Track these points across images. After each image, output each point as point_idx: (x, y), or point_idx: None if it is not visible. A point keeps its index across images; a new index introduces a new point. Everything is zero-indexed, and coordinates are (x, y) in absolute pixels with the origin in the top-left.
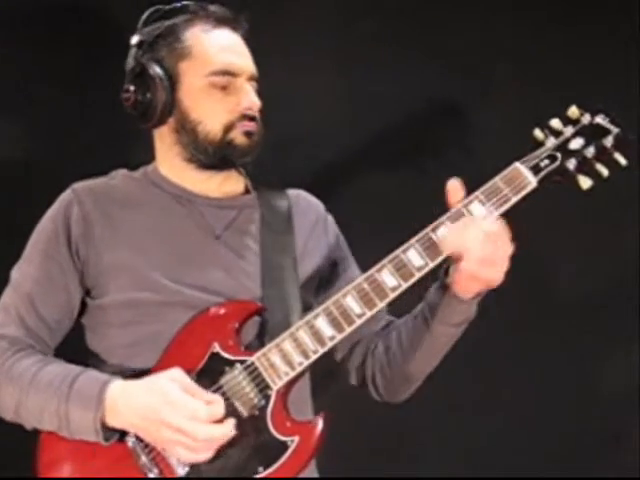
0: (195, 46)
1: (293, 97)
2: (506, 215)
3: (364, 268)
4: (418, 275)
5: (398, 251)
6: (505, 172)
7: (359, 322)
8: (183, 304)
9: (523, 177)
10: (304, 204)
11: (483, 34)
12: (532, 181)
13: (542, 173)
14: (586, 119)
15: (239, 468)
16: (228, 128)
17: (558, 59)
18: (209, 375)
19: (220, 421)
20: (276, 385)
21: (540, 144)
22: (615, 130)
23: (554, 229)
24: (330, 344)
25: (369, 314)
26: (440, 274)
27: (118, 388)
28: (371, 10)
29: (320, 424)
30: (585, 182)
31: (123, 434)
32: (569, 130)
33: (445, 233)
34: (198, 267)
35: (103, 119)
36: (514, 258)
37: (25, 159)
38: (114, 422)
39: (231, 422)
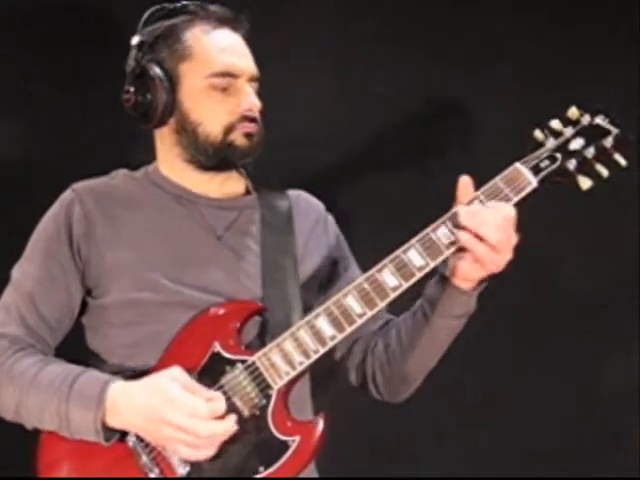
0: (195, 47)
1: (293, 98)
2: None
3: (365, 268)
4: (419, 275)
5: (399, 251)
6: (505, 172)
7: (360, 322)
8: (184, 304)
9: (523, 177)
10: (304, 204)
11: (483, 34)
12: (532, 181)
13: (542, 173)
14: (586, 120)
15: (240, 468)
16: (228, 129)
17: (558, 59)
18: (210, 375)
19: (221, 418)
20: (277, 385)
21: (540, 145)
22: (615, 131)
23: (554, 228)
24: (331, 344)
25: (370, 314)
26: (439, 267)
27: (118, 388)
28: (371, 10)
29: (321, 424)
30: (585, 183)
31: (123, 434)
32: (569, 131)
33: (462, 213)
34: (199, 268)
35: (103, 119)
36: (514, 257)
37: (25, 159)
38: (114, 422)
39: (232, 417)
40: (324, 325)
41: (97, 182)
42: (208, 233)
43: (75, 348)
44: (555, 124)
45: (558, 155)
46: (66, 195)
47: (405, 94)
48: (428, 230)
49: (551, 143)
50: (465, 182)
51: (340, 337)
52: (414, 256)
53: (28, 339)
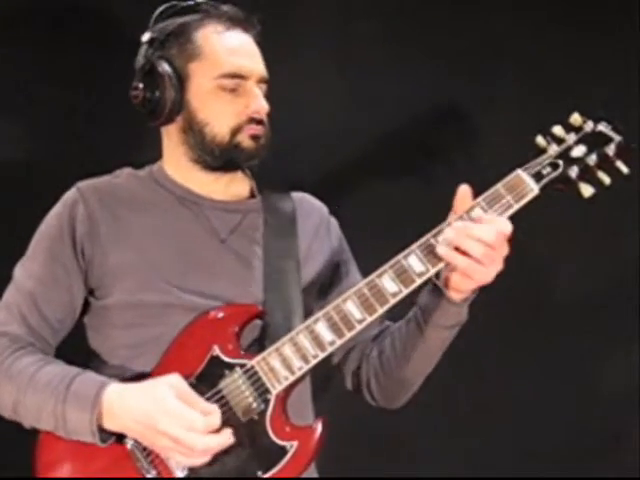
0: (206, 47)
1: (295, 100)
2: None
3: (366, 274)
4: (419, 281)
5: (399, 257)
6: (507, 179)
7: (359, 327)
8: (186, 307)
9: (525, 184)
10: (308, 207)
11: (485, 36)
12: (534, 188)
13: (544, 180)
14: (589, 126)
15: (238, 472)
16: (235, 131)
17: (558, 59)
18: (208, 378)
19: (218, 429)
20: (275, 389)
21: (542, 151)
22: (617, 138)
23: (554, 229)
24: (330, 349)
25: (369, 320)
26: (432, 277)
27: (115, 391)
28: (374, 11)
29: (319, 429)
30: (587, 190)
31: (122, 436)
32: (571, 137)
33: (445, 228)
34: (203, 271)
35: (104, 119)
36: (514, 257)
37: (26, 159)
38: (110, 425)
39: (228, 431)
40: (323, 330)
41: (101, 181)
42: (212, 236)
43: (75, 348)
44: (557, 130)
45: (560, 162)
46: (70, 194)
47: (407, 97)
48: (429, 236)
49: (553, 150)
50: (463, 191)
51: (339, 342)
52: (414, 262)
53: (29, 338)
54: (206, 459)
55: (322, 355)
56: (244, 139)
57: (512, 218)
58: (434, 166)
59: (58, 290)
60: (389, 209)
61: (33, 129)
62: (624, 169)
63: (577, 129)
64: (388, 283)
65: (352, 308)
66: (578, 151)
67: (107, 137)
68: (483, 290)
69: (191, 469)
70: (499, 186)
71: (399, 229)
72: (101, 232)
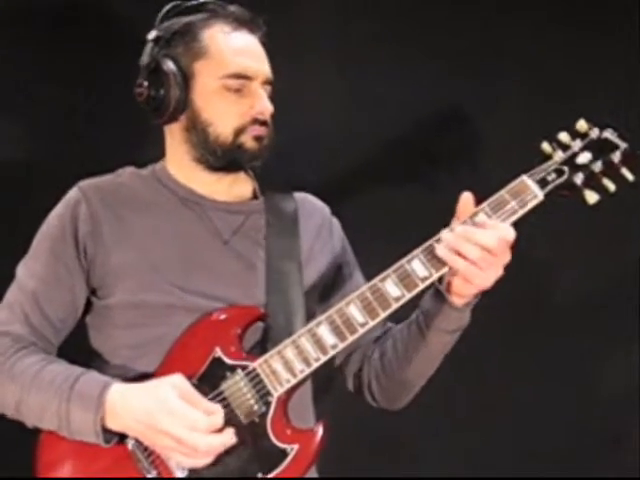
0: (211, 46)
1: (295, 103)
2: None
3: (368, 278)
4: (422, 285)
5: (402, 261)
6: (512, 185)
7: (362, 331)
8: (188, 308)
9: (530, 190)
10: (310, 207)
11: (486, 37)
12: (539, 195)
13: (549, 187)
14: (594, 133)
15: (238, 474)
16: (239, 132)
17: (559, 60)
18: (210, 380)
19: (220, 429)
20: (277, 392)
21: (548, 157)
22: (623, 145)
23: (554, 232)
24: (332, 352)
25: (372, 324)
26: (435, 281)
27: (118, 391)
28: (375, 13)
29: (320, 432)
30: (591, 197)
31: (123, 436)
32: (577, 144)
33: (444, 232)
34: (205, 272)
35: (104, 119)
36: (514, 259)
37: (26, 159)
38: (113, 425)
39: (230, 431)
40: (326, 333)
41: (103, 180)
42: (214, 237)
43: (77, 347)
44: (563, 137)
45: (565, 168)
46: (72, 194)
47: (409, 101)
48: (432, 241)
49: (559, 156)
50: (466, 198)
51: (342, 346)
52: (418, 266)
53: (31, 338)
54: (208, 460)
55: (324, 358)
56: (247, 140)
57: (514, 222)
58: (437, 172)
59: (60, 289)
60: (391, 213)
61: (33, 129)
62: (629, 176)
63: (583, 135)
64: (391, 287)
65: (355, 312)
66: (583, 158)
67: (107, 137)
68: (484, 292)
69: (191, 470)
70: (503, 192)
71: (402, 234)
72: (103, 232)
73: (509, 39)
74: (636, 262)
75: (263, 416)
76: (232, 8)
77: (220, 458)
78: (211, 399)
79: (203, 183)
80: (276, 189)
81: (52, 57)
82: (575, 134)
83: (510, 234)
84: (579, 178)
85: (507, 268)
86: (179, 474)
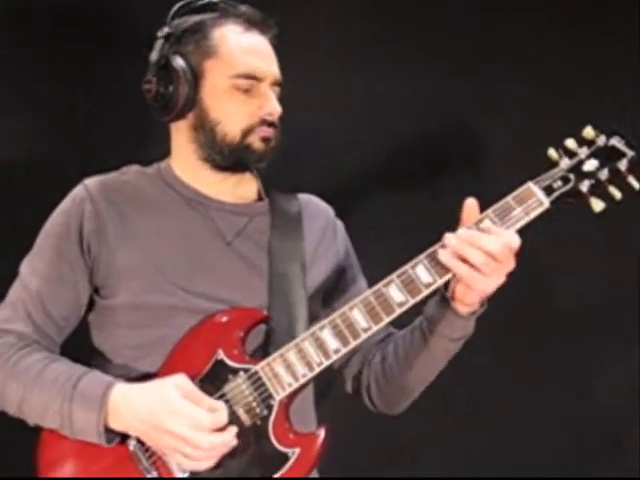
0: (222, 46)
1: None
2: None
3: (372, 282)
4: (426, 292)
5: (407, 266)
6: (518, 191)
7: (364, 336)
8: (191, 310)
9: (536, 197)
10: (314, 209)
11: (490, 40)
12: (544, 202)
13: (555, 194)
14: (601, 141)
15: (239, 476)
16: (247, 132)
17: (561, 62)
18: (212, 382)
19: (223, 428)
20: (279, 395)
21: (554, 164)
22: (630, 153)
23: (554, 235)
24: (335, 357)
25: (375, 328)
26: (441, 288)
27: (121, 391)
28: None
29: (322, 436)
30: (597, 205)
31: (125, 436)
32: (584, 151)
33: (448, 235)
34: (208, 274)
35: (106, 118)
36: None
37: (27, 159)
38: (116, 425)
39: (233, 429)
40: (329, 338)
41: (108, 178)
42: (218, 238)
43: (78, 345)
44: (570, 144)
45: (571, 176)
46: (77, 191)
47: (414, 109)
48: (437, 246)
49: (565, 163)
50: (470, 205)
51: (344, 351)
52: (422, 272)
53: (34, 336)
54: (209, 463)
55: (326, 363)
56: (255, 140)
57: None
58: (442, 177)
59: (64, 288)
60: (396, 217)
61: (33, 129)
62: (636, 185)
63: (590, 143)
64: (395, 292)
65: (358, 316)
66: (590, 165)
67: (107, 136)
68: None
69: (192, 472)
70: (509, 198)
71: (406, 238)
72: (108, 231)
73: (514, 44)
74: (636, 264)
75: (265, 419)
76: (243, 8)
77: (221, 461)
78: None
79: (208, 183)
80: (281, 190)
81: (52, 57)
82: (582, 141)
83: (515, 241)
84: (585, 186)
85: (509, 274)
86: (179, 476)
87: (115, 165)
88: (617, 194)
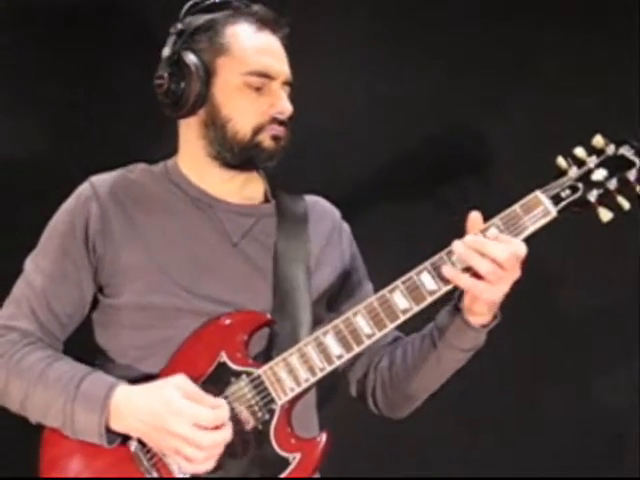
0: (234, 43)
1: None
2: None
3: (376, 287)
4: (430, 299)
5: (412, 273)
6: (525, 200)
7: (368, 342)
8: (195, 312)
9: (543, 206)
10: (320, 210)
11: (506, 52)
12: (552, 211)
13: (562, 203)
14: (610, 150)
15: None
16: (257, 130)
17: (561, 61)
18: (215, 385)
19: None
20: (281, 400)
21: (563, 173)
22: (639, 163)
23: (554, 241)
24: (337, 362)
25: (378, 335)
26: (454, 297)
27: (123, 392)
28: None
29: (323, 441)
30: (605, 215)
31: (126, 437)
32: (593, 160)
33: (455, 243)
34: (213, 275)
35: (105, 118)
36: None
37: (27, 159)
38: (117, 426)
39: (230, 425)
40: (332, 343)
41: (115, 176)
42: (224, 239)
43: (80, 343)
44: (579, 152)
45: (580, 185)
46: (83, 190)
47: (419, 118)
48: (442, 254)
49: (574, 172)
50: (474, 218)
51: (347, 356)
52: (426, 279)
53: (38, 334)
54: (211, 464)
55: (329, 368)
56: (265, 139)
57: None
58: (448, 183)
59: (68, 286)
60: (401, 224)
61: (33, 128)
62: None
63: (599, 152)
64: (399, 299)
65: (362, 322)
66: (599, 175)
67: (108, 135)
68: (503, 316)
69: (193, 475)
70: (516, 207)
71: (412, 244)
72: (114, 231)
73: (515, 46)
74: (636, 270)
75: (266, 423)
76: (256, 7)
77: (222, 464)
78: None
79: (215, 182)
80: (287, 192)
81: (52, 56)
82: (591, 150)
83: (522, 250)
84: (593, 195)
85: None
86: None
87: (115, 164)
88: (625, 204)
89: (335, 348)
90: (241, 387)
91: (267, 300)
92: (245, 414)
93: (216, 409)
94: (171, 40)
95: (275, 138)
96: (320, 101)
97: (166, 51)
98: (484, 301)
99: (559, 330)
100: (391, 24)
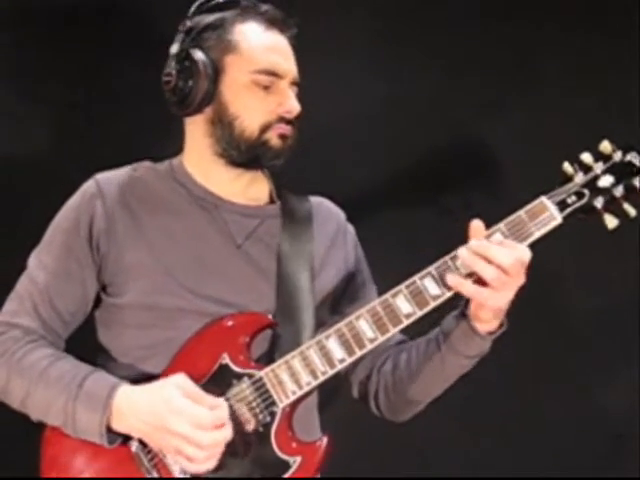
0: (243, 42)
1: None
2: None
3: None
4: (433, 304)
5: (415, 277)
6: (531, 206)
7: (370, 347)
8: (198, 312)
9: (549, 213)
10: (325, 212)
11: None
12: (557, 217)
13: (568, 210)
14: (618, 156)
15: None
16: (265, 128)
17: (557, 60)
18: (216, 386)
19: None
20: (282, 403)
21: (569, 179)
22: None
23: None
24: (340, 366)
25: (381, 339)
26: (460, 303)
27: (125, 393)
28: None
29: (324, 445)
30: (611, 222)
31: (127, 437)
32: (599, 166)
33: (460, 250)
34: (216, 276)
35: (105, 117)
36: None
37: (27, 158)
38: (119, 426)
39: (230, 424)
40: (334, 347)
41: (120, 174)
42: (228, 240)
43: (82, 341)
44: (586, 158)
45: (586, 191)
46: (88, 187)
47: (421, 123)
48: (446, 258)
49: (580, 178)
50: (476, 227)
51: (349, 360)
52: (430, 284)
53: (41, 331)
54: (211, 464)
55: (331, 372)
56: (272, 137)
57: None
58: (447, 188)
59: (71, 283)
60: (405, 228)
61: (34, 128)
62: None
63: (606, 157)
64: (402, 303)
65: (365, 326)
66: (605, 181)
67: (109, 135)
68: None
69: (193, 475)
70: (522, 212)
71: (416, 248)
72: (118, 230)
73: (517, 49)
74: (637, 267)
75: (267, 426)
76: (265, 7)
77: (222, 466)
78: None
79: (220, 181)
80: (293, 193)
81: (53, 56)
82: (598, 155)
83: (526, 255)
84: (599, 202)
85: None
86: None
87: (115, 165)
88: (632, 211)
89: (337, 352)
90: (242, 389)
91: (270, 302)
92: (246, 416)
93: (215, 409)
94: (179, 37)
95: (282, 137)
96: (320, 101)
97: (174, 48)
98: (489, 308)
99: (559, 330)
100: (391, 24)
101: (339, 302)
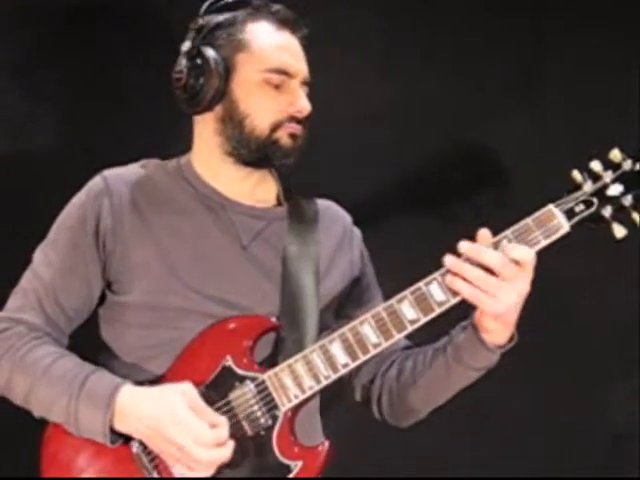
0: (254, 41)
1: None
2: None
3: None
4: (438, 310)
5: (420, 283)
6: (538, 213)
7: (374, 352)
8: (202, 313)
9: (556, 221)
10: (332, 215)
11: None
12: (565, 226)
13: (576, 218)
14: (627, 165)
15: None
16: (275, 127)
17: (557, 60)
18: (219, 388)
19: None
20: (285, 406)
21: (578, 187)
22: None
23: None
24: (343, 371)
25: (385, 345)
26: (471, 314)
27: (128, 393)
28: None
29: (325, 450)
30: (619, 231)
31: (128, 437)
32: (609, 175)
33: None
34: (221, 277)
35: (105, 117)
36: None
37: (27, 158)
38: (121, 426)
39: (231, 445)
40: (338, 351)
41: (128, 171)
42: (234, 241)
43: (83, 340)
44: (595, 166)
45: (594, 200)
46: (96, 184)
47: (432, 135)
48: None
49: (589, 187)
50: (483, 235)
51: (353, 365)
52: (435, 290)
53: (45, 328)
54: (208, 474)
55: (334, 377)
56: (282, 136)
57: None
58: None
59: (76, 280)
60: (406, 249)
61: (34, 127)
62: None
63: (615, 166)
64: (407, 309)
65: (369, 331)
66: (614, 190)
67: (109, 135)
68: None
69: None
70: (529, 220)
71: (420, 253)
72: (125, 228)
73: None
74: (636, 268)
75: (269, 430)
76: (277, 7)
77: (223, 470)
78: (218, 408)
79: (228, 181)
80: (300, 195)
81: (53, 56)
82: (608, 164)
83: (524, 256)
84: (608, 211)
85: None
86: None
87: (115, 165)
88: None
89: (341, 356)
90: (245, 392)
91: (275, 303)
92: (248, 419)
93: (217, 427)
94: (190, 35)
95: (292, 136)
96: (326, 104)
97: (185, 46)
98: (490, 314)
99: (559, 331)
100: (398, 25)
101: (344, 306)
